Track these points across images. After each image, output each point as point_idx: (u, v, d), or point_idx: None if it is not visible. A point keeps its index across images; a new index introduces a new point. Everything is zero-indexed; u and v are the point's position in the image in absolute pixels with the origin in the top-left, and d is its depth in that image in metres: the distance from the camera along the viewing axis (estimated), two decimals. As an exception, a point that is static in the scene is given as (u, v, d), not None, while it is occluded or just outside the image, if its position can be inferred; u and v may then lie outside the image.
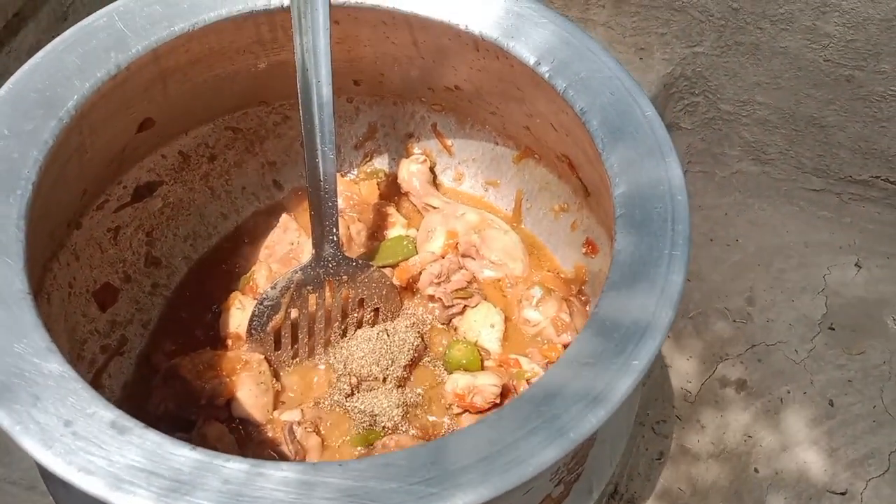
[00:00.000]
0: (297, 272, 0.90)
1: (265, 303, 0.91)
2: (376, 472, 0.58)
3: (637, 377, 0.62)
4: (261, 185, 1.07)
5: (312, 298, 0.92)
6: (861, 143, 1.34)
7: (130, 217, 0.96)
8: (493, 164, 1.06)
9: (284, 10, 0.86)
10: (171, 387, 0.90)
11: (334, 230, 0.89)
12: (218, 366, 0.91)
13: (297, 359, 0.94)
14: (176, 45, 0.83)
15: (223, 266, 1.03)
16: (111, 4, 0.83)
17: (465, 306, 0.97)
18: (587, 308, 0.97)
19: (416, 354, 0.93)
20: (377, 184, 1.08)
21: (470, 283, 0.97)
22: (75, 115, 0.77)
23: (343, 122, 1.07)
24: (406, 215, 1.06)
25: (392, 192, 1.08)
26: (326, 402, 0.91)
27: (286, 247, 1.01)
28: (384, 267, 0.98)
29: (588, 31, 1.34)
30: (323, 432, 0.89)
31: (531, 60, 0.83)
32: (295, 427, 0.88)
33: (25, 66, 0.78)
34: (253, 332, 0.92)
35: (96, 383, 0.91)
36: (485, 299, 0.98)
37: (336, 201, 0.87)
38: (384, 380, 0.91)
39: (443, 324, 0.97)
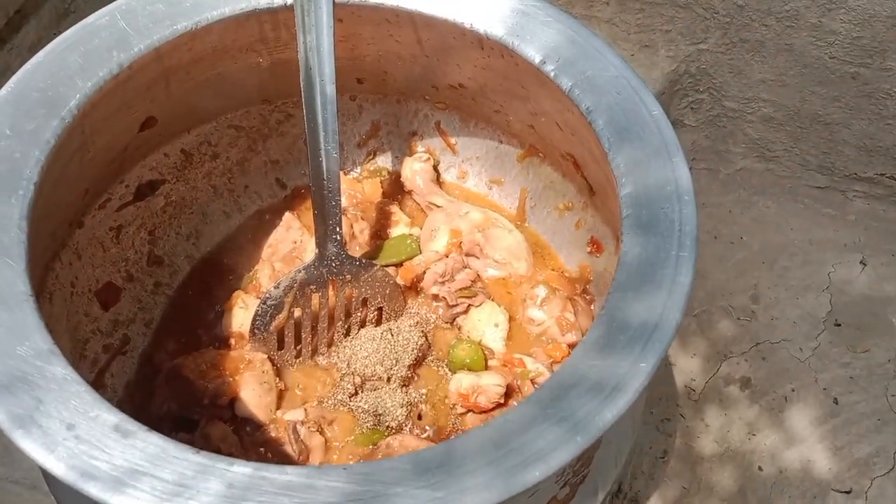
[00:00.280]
0: (300, 271, 0.90)
1: (268, 302, 0.90)
2: (381, 476, 0.57)
3: (645, 380, 0.61)
4: (264, 183, 1.06)
5: (316, 298, 0.92)
6: (866, 140, 1.33)
7: (133, 216, 0.96)
8: (497, 163, 1.05)
9: (288, 9, 0.85)
10: (174, 387, 0.90)
11: (338, 229, 0.88)
12: (221, 365, 0.90)
13: (301, 358, 0.94)
14: (178, 43, 0.83)
15: (226, 265, 1.02)
16: (113, 3, 0.82)
17: (469, 305, 0.96)
18: (592, 307, 0.97)
19: (420, 354, 0.93)
20: (380, 182, 1.07)
21: (474, 282, 0.97)
22: (77, 115, 0.76)
23: (346, 119, 1.06)
24: (409, 214, 1.05)
25: (395, 190, 1.07)
26: (330, 402, 0.90)
27: (289, 245, 1.00)
28: (388, 266, 0.98)
29: (592, 28, 1.35)
30: (327, 432, 0.88)
31: (536, 59, 0.82)
32: (298, 427, 0.87)
33: (27, 66, 0.77)
34: (256, 331, 0.91)
35: (99, 383, 0.91)
36: (489, 298, 0.97)
37: (339, 200, 0.87)
38: (388, 379, 0.90)
39: (447, 323, 0.97)
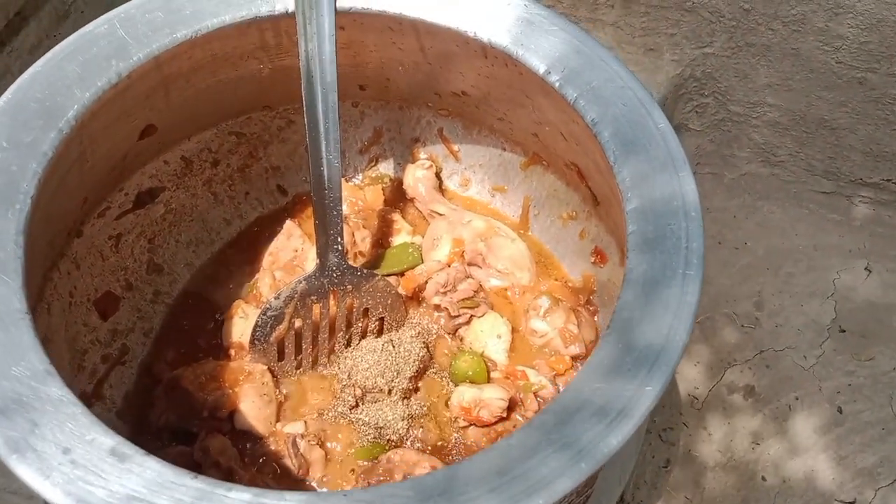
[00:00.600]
0: (300, 282, 0.89)
1: (268, 313, 0.89)
2: (382, 502, 0.56)
3: (651, 403, 0.60)
4: (264, 190, 1.05)
5: (316, 308, 0.91)
6: (872, 145, 1.32)
7: (132, 224, 0.95)
8: (501, 170, 1.04)
9: (289, 16, 0.84)
10: (173, 398, 0.89)
11: (339, 239, 0.87)
12: (220, 377, 0.89)
13: (301, 369, 0.93)
14: (178, 52, 0.81)
15: (226, 273, 1.01)
16: (112, 11, 0.81)
17: (472, 316, 0.95)
18: (595, 318, 0.96)
19: (421, 366, 0.92)
20: (382, 189, 1.06)
21: (476, 292, 0.96)
22: (75, 126, 0.75)
23: (348, 126, 1.05)
24: (411, 222, 1.04)
25: (397, 197, 1.06)
26: (330, 414, 0.90)
27: (290, 253, 0.99)
28: (389, 275, 0.97)
29: (597, 32, 1.33)
30: (327, 445, 0.88)
31: (541, 69, 0.81)
32: (298, 440, 0.86)
33: (24, 75, 0.76)
34: (256, 342, 0.90)
35: (97, 394, 0.90)
36: (491, 309, 0.96)
37: (341, 210, 0.86)
38: (389, 392, 0.89)
39: (448, 333, 0.95)
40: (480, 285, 0.97)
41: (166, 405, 0.89)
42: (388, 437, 0.87)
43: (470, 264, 0.98)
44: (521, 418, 0.89)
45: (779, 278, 1.31)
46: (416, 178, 1.04)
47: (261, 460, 0.87)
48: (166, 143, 0.94)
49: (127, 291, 0.95)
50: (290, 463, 0.85)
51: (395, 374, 0.89)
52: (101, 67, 0.78)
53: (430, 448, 0.88)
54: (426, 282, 0.96)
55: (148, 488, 0.56)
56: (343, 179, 0.99)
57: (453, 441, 0.88)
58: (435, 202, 1.03)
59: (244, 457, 0.87)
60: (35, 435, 0.58)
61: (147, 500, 0.56)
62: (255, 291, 0.98)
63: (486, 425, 0.88)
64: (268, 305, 0.89)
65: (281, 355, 0.91)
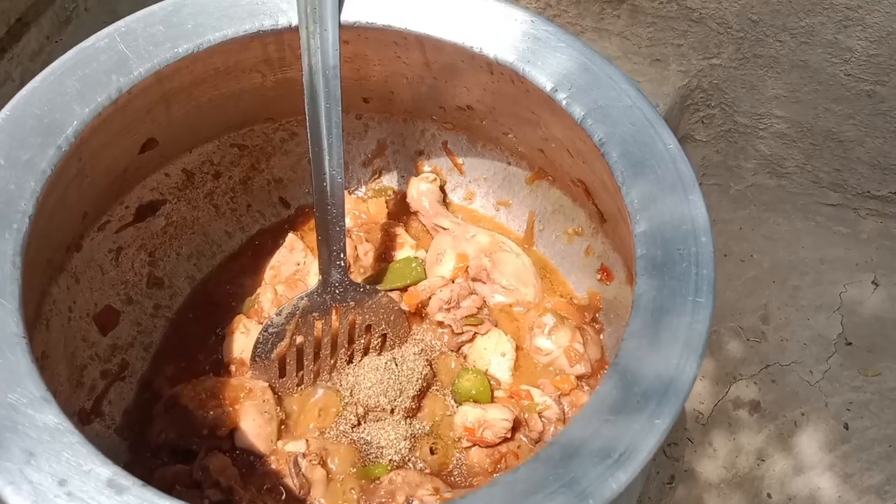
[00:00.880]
0: (302, 298, 0.88)
1: (270, 330, 0.88)
2: (385, 537, 0.55)
3: (661, 437, 0.59)
4: (267, 202, 1.04)
5: (318, 325, 0.89)
6: (880, 158, 1.31)
7: (132, 237, 0.93)
8: (506, 184, 1.03)
9: (292, 30, 0.83)
10: (173, 415, 0.87)
11: (342, 255, 0.86)
12: (221, 394, 0.88)
13: (302, 386, 0.91)
14: (180, 66, 0.80)
15: (227, 287, 1.00)
16: (112, 25, 0.79)
17: (476, 334, 0.94)
18: (601, 337, 0.94)
19: (424, 384, 0.90)
20: (385, 202, 1.05)
21: (480, 308, 0.94)
22: (75, 143, 0.73)
23: (351, 138, 1.03)
24: (415, 236, 1.03)
25: (401, 210, 1.05)
26: (332, 432, 0.88)
27: (292, 267, 0.98)
28: (392, 290, 0.96)
29: (603, 42, 1.32)
30: (329, 464, 0.86)
31: (548, 86, 0.80)
32: (300, 459, 0.85)
33: (23, 91, 0.75)
34: (257, 359, 0.89)
35: (96, 410, 0.89)
36: (495, 326, 0.95)
37: (344, 226, 0.85)
38: (392, 411, 0.88)
39: (452, 350, 0.94)
40: (484, 301, 0.96)
41: (166, 423, 0.88)
42: (389, 458, 0.86)
43: (474, 279, 0.97)
44: (524, 438, 0.88)
45: (785, 291, 1.30)
46: (420, 191, 1.02)
47: (261, 479, 0.85)
48: (167, 156, 0.93)
49: (127, 305, 0.94)
50: (292, 483, 0.84)
51: (397, 392, 0.88)
52: (101, 83, 0.76)
53: (432, 469, 0.86)
54: (429, 297, 0.94)
55: (145, 522, 0.55)
56: (346, 191, 0.98)
57: (455, 461, 0.87)
58: (439, 216, 1.02)
59: (244, 476, 0.86)
60: (31, 466, 0.57)
61: (144, 534, 0.55)
62: (256, 306, 0.96)
63: (490, 446, 0.87)
64: (269, 322, 0.88)
65: (282, 372, 0.90)
